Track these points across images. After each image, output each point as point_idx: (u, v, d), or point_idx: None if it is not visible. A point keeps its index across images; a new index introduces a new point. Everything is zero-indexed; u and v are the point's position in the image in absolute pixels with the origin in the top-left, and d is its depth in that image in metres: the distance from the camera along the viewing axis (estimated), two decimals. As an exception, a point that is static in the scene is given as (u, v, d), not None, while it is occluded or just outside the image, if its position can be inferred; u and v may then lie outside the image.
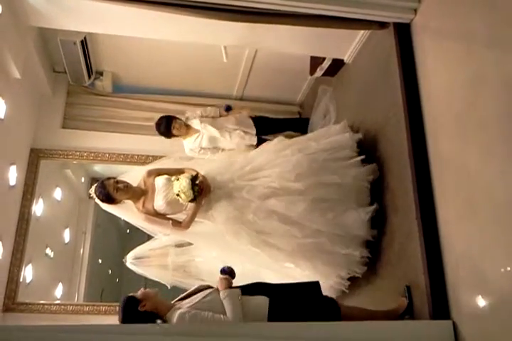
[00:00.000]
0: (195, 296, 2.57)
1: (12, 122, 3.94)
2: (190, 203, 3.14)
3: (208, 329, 2.29)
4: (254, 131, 4.25)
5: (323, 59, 4.15)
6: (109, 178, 3.18)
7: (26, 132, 4.48)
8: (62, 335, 2.09)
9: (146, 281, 4.69)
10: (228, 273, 2.71)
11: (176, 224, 3.22)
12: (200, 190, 3.10)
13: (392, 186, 3.16)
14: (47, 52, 4.50)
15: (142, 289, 2.53)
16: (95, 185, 3.19)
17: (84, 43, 4.25)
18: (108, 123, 4.75)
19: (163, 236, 3.82)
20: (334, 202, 3.22)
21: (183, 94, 4.93)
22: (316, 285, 2.80)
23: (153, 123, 4.75)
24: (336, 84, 4.36)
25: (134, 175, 3.39)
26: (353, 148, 3.43)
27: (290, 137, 3.81)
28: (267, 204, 3.18)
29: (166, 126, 4.08)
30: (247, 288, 2.66)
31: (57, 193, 4.94)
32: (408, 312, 2.72)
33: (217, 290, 2.60)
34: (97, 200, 3.21)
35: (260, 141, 4.16)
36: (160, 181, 3.21)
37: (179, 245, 4.18)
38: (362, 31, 3.61)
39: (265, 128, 4.31)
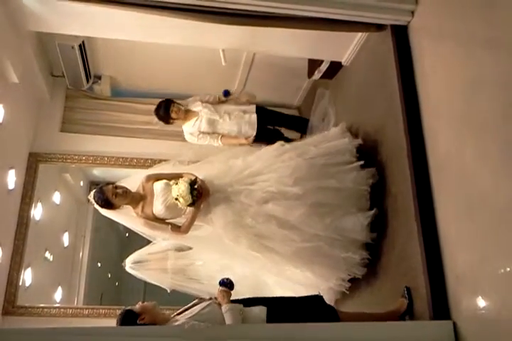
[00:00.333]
0: (193, 308, 2.57)
1: (11, 126, 3.94)
2: (189, 207, 3.15)
3: (210, 331, 2.28)
4: (253, 109, 4.19)
5: (321, 62, 4.17)
6: (107, 184, 3.19)
7: (25, 136, 4.48)
8: (61, 338, 2.07)
9: (146, 285, 4.70)
10: (227, 284, 2.73)
11: (175, 228, 3.22)
12: (199, 194, 3.11)
13: (391, 189, 3.17)
14: (45, 56, 4.50)
15: (140, 302, 2.55)
16: (94, 190, 3.20)
17: (82, 47, 4.25)
18: (107, 127, 4.76)
19: (162, 240, 3.83)
20: (333, 207, 3.22)
21: (181, 98, 4.91)
22: (317, 298, 2.84)
23: (151, 127, 4.80)
24: (334, 87, 4.37)
25: (133, 180, 3.40)
26: (352, 153, 3.44)
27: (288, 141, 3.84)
28: (265, 209, 3.19)
29: (165, 110, 4.05)
30: (246, 301, 2.69)
31: (56, 197, 4.94)
32: (408, 313, 2.72)
33: (216, 301, 2.62)
34: (96, 206, 3.22)
35: (260, 131, 4.14)
36: (159, 186, 3.21)
37: (179, 249, 4.18)
38: (359, 34, 3.62)
39: (265, 117, 4.25)
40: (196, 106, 4.13)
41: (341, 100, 4.16)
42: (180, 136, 4.74)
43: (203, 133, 4.12)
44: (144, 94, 4.85)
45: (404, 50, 3.17)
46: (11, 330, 2.77)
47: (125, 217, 3.35)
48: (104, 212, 3.28)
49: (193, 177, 3.17)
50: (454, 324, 2.39)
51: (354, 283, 3.32)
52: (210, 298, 2.68)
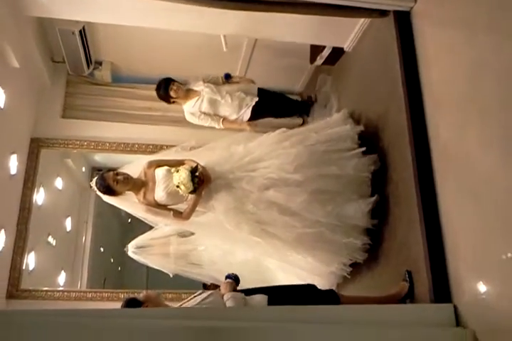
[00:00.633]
0: (196, 298, 2.62)
1: (12, 111, 3.94)
2: (190, 194, 3.17)
3: (213, 312, 2.32)
4: (255, 92, 4.14)
5: (323, 47, 4.15)
6: (108, 170, 3.21)
7: (26, 121, 4.48)
8: (67, 319, 2.11)
9: (148, 270, 4.74)
10: (233, 279, 2.79)
11: (177, 214, 3.24)
12: (200, 181, 3.12)
13: (393, 176, 3.18)
14: (46, 42, 4.48)
15: (144, 291, 2.59)
16: (96, 177, 3.24)
17: (82, 33, 4.23)
18: (108, 112, 4.74)
19: (164, 226, 3.85)
20: (334, 194, 3.24)
21: (182, 83, 4.92)
22: (312, 287, 2.89)
23: (152, 113, 4.79)
24: (336, 73, 4.35)
25: (135, 166, 3.41)
26: (354, 139, 3.44)
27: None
28: (266, 195, 3.21)
29: (164, 89, 4.00)
30: (247, 291, 2.74)
31: (58, 182, 4.95)
32: (409, 296, 2.76)
33: (218, 292, 2.68)
34: (99, 192, 3.25)
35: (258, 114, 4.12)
36: (160, 172, 3.22)
37: (181, 235, 4.20)
38: (362, 19, 3.61)
39: (267, 100, 4.18)
40: (198, 86, 4.07)
41: (343, 86, 4.15)
42: (181, 122, 4.75)
43: (204, 113, 4.07)
44: (145, 80, 4.83)
45: (407, 36, 3.15)
46: (16, 312, 2.80)
47: (127, 203, 3.37)
48: (106, 198, 3.30)
49: (194, 164, 3.18)
50: (455, 307, 2.41)
51: (355, 268, 3.35)
52: (212, 285, 2.72)
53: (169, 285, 4.52)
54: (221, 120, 4.09)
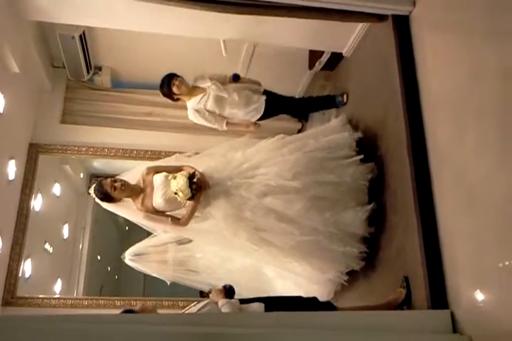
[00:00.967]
0: (192, 308, 2.63)
1: (11, 116, 3.94)
2: (188, 201, 3.15)
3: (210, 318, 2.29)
4: (262, 90, 3.95)
5: (322, 53, 4.15)
6: (106, 177, 3.23)
7: (25, 127, 4.48)
8: (64, 325, 2.08)
9: (145, 278, 4.70)
10: (228, 289, 2.82)
11: (175, 221, 3.24)
12: (198, 187, 3.12)
13: (391, 184, 3.17)
14: (46, 47, 4.50)
15: (141, 303, 2.58)
16: (94, 184, 3.26)
17: (83, 38, 4.24)
18: (107, 118, 4.74)
19: (163, 233, 3.83)
20: (332, 201, 3.24)
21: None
22: (314, 299, 2.89)
23: (152, 118, 4.78)
24: (334, 78, 4.36)
25: (134, 173, 3.41)
26: (352, 146, 3.44)
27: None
28: (264, 202, 3.21)
29: (167, 85, 3.77)
30: (246, 301, 2.74)
31: (56, 189, 4.94)
32: (406, 303, 2.73)
33: (214, 301, 2.67)
34: (97, 199, 3.26)
35: (267, 114, 3.95)
36: (158, 179, 3.22)
37: (179, 242, 4.18)
38: (360, 24, 3.62)
39: (273, 99, 3.99)
40: (204, 83, 3.85)
41: (342, 92, 4.14)
42: (181, 128, 4.76)
43: (209, 112, 3.86)
44: (145, 86, 4.83)
45: (406, 41, 3.15)
46: (17, 317, 2.77)
47: (125, 209, 3.37)
48: (104, 205, 3.32)
49: (191, 171, 3.18)
50: (452, 313, 2.39)
51: (352, 276, 3.34)
52: (209, 293, 2.71)
53: (166, 293, 4.48)
54: (225, 122, 3.89)
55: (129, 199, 3.29)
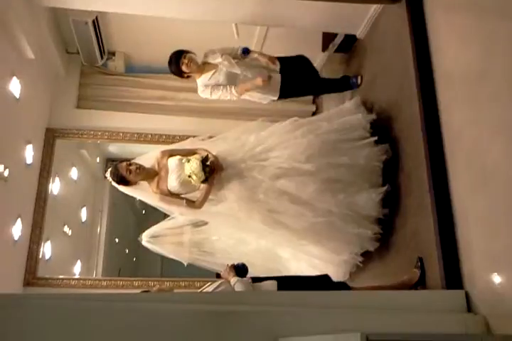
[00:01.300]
0: (207, 289, 2.68)
1: (27, 102, 3.99)
2: (202, 184, 3.19)
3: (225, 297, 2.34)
4: (277, 69, 3.75)
5: (335, 35, 4.11)
6: (121, 161, 3.28)
7: (41, 112, 4.53)
8: (84, 303, 2.15)
9: (163, 261, 4.78)
10: (241, 267, 2.86)
11: (190, 203, 3.28)
12: (212, 170, 3.15)
13: (405, 165, 3.16)
14: (60, 33, 4.52)
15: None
16: (110, 168, 3.33)
17: (96, 23, 4.25)
18: (122, 103, 4.77)
19: (179, 215, 3.88)
20: (345, 183, 3.25)
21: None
22: (325, 277, 2.89)
23: (165, 102, 4.79)
24: (348, 60, 4.32)
25: (149, 157, 3.46)
26: (366, 128, 3.42)
27: None
28: (277, 185, 3.23)
29: (175, 63, 3.62)
30: (258, 279, 2.78)
31: (74, 173, 5.02)
32: (421, 283, 2.75)
33: (227, 280, 2.71)
34: (114, 183, 3.33)
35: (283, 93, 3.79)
36: (173, 162, 3.26)
37: (195, 225, 4.23)
38: (374, 6, 3.58)
39: (290, 76, 3.79)
40: (215, 58, 3.70)
41: (356, 74, 4.11)
42: (194, 112, 4.77)
43: (217, 85, 3.68)
44: (158, 70, 4.82)
45: (419, 22, 3.11)
46: (33, 295, 2.85)
47: (142, 192, 3.43)
48: (121, 188, 3.38)
49: (205, 154, 3.21)
50: (467, 293, 2.41)
51: (367, 256, 3.36)
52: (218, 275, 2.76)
53: (183, 274, 4.55)
54: (233, 87, 3.66)
55: (145, 183, 3.34)
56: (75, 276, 4.66)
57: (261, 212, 3.26)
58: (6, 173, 3.57)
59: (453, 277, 2.53)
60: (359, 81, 3.94)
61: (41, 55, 4.12)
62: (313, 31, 4.25)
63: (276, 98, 3.82)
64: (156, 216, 4.41)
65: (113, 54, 4.86)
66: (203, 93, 3.75)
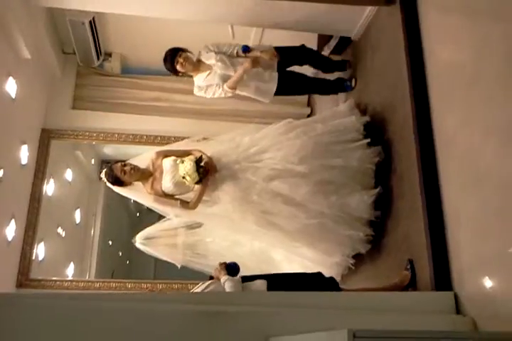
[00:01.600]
0: (198, 289, 2.69)
1: (23, 102, 3.99)
2: (196, 185, 3.19)
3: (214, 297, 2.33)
4: (275, 67, 3.70)
5: (330, 37, 4.13)
6: (116, 162, 3.30)
7: (37, 112, 4.54)
8: (75, 302, 2.14)
9: (156, 263, 4.77)
10: (232, 266, 2.85)
11: (184, 204, 3.29)
12: (206, 171, 3.16)
13: (397, 167, 3.17)
14: (56, 33, 4.53)
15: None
16: (105, 169, 3.34)
17: (92, 24, 4.26)
18: (117, 104, 4.78)
19: (174, 216, 3.88)
20: (338, 185, 3.25)
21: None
22: (318, 275, 2.89)
23: (161, 104, 4.80)
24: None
25: (144, 158, 3.47)
26: (359, 130, 3.43)
27: None
28: (271, 186, 3.23)
29: (171, 62, 3.59)
30: (249, 278, 2.77)
31: (68, 174, 5.01)
32: (411, 286, 2.75)
33: (217, 281, 2.71)
34: (108, 184, 3.35)
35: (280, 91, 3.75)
36: (167, 163, 3.27)
37: (189, 227, 4.23)
38: (369, 8, 3.59)
39: (288, 76, 3.78)
40: (209, 59, 3.64)
41: (351, 76, 4.12)
42: (190, 113, 4.78)
43: (211, 85, 3.65)
44: (154, 72, 4.83)
45: (414, 24, 3.12)
46: (27, 295, 2.84)
47: (136, 193, 3.44)
48: (116, 189, 3.39)
49: (199, 155, 3.22)
50: (456, 295, 2.41)
51: (359, 259, 3.36)
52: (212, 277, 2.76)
53: (176, 276, 4.54)
54: (227, 85, 3.59)
55: (140, 183, 3.34)
56: (68, 278, 4.64)
57: (255, 214, 3.27)
58: (1, 173, 3.57)
59: (442, 279, 2.53)
60: (353, 83, 3.95)
61: (37, 55, 4.13)
62: (309, 33, 4.25)
63: (274, 89, 3.72)
64: (150, 218, 4.41)
65: (109, 55, 4.88)
66: (199, 92, 3.79)
